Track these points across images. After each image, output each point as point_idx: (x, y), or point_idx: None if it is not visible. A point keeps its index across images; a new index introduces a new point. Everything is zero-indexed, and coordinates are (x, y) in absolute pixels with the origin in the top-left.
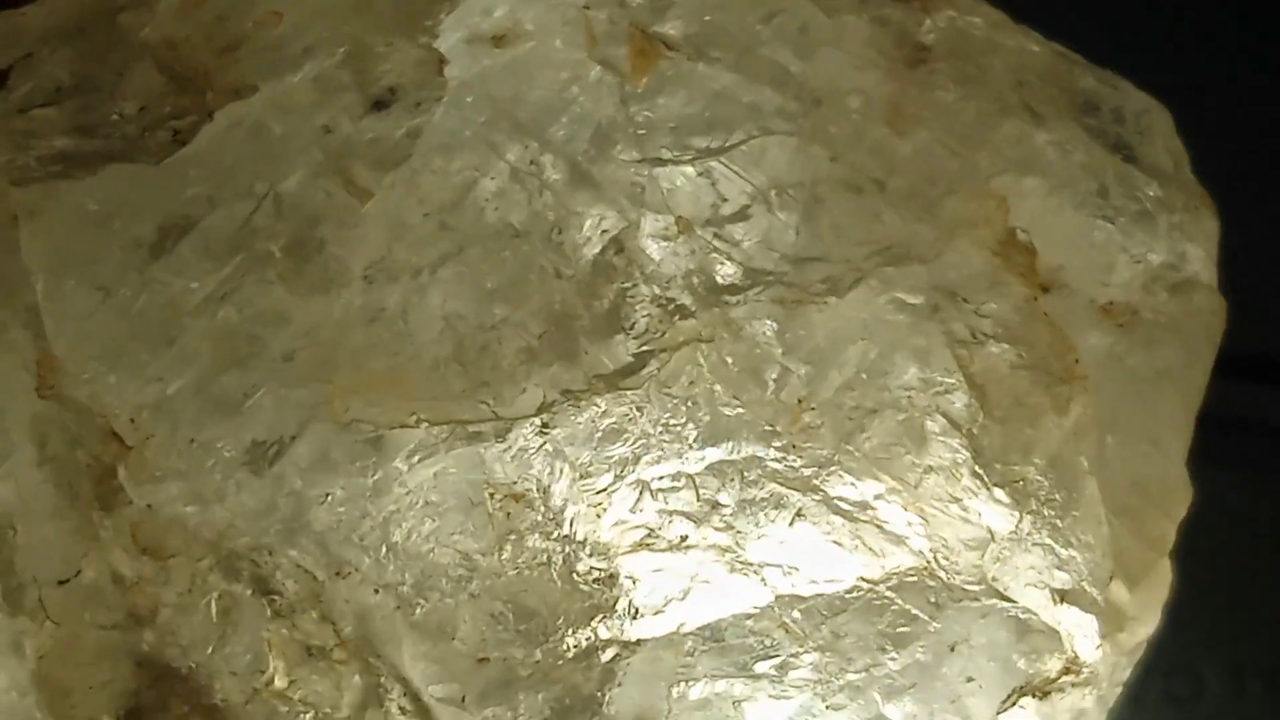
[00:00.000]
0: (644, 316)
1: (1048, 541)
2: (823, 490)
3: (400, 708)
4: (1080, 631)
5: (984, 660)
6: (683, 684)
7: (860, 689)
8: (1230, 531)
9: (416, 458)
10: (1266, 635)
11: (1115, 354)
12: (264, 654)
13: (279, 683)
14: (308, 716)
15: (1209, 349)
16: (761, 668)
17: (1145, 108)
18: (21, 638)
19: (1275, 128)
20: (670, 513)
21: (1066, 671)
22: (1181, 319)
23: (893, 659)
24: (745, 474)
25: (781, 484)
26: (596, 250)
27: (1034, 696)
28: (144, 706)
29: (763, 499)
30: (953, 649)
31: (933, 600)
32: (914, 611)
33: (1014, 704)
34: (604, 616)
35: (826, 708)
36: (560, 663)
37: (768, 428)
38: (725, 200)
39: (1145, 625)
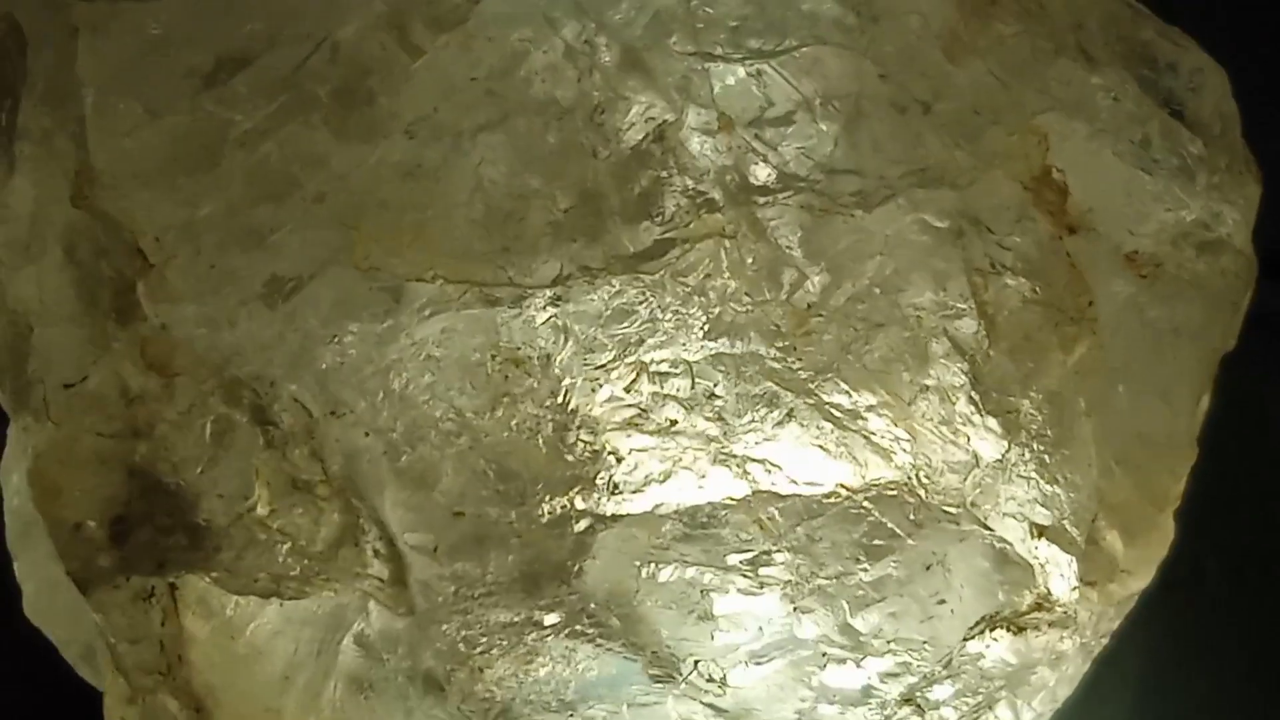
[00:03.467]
0: (673, 206)
1: (1033, 475)
2: (817, 395)
3: (375, 550)
4: (1056, 570)
5: (957, 583)
6: (654, 565)
7: (830, 595)
8: (1227, 420)
9: (427, 312)
10: (1266, 524)
11: (1135, 304)
12: (251, 481)
13: (261, 510)
14: (285, 546)
15: (1232, 311)
16: (733, 560)
17: (1201, 66)
18: (24, 434)
19: None
20: (664, 396)
21: (1039, 607)
22: (1206, 278)
23: (865, 570)
24: (743, 369)
25: (777, 383)
26: (638, 136)
27: (1008, 630)
28: (130, 515)
29: (756, 395)
30: (927, 568)
31: (911, 517)
32: (890, 525)
33: (983, 631)
34: (584, 488)
35: (794, 609)
36: (534, 527)
37: (773, 327)
38: (772, 104)
39: (1138, 579)
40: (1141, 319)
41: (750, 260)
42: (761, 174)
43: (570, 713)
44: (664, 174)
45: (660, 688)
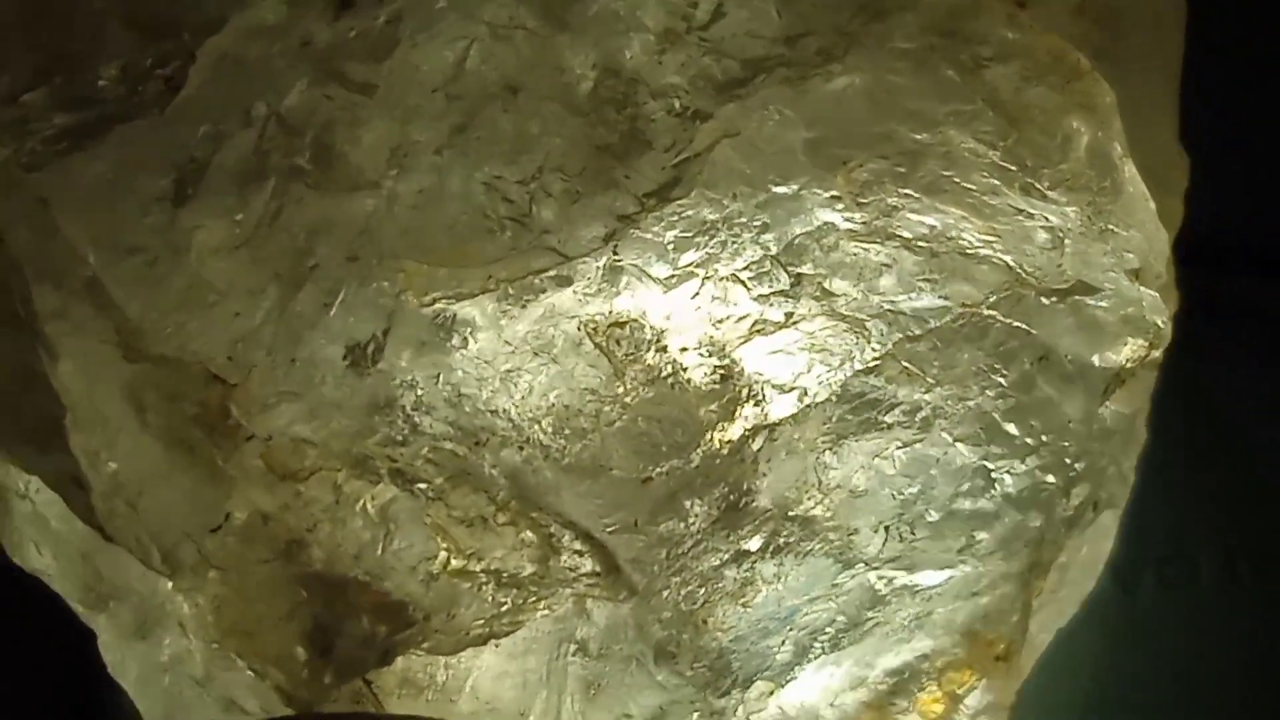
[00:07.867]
0: (665, 130)
1: (1110, 227)
2: (898, 235)
3: (577, 550)
4: (1156, 311)
5: (1081, 355)
6: (827, 452)
7: (983, 411)
8: (1221, 418)
9: (507, 318)
10: (1257, 521)
11: (1095, 48)
12: (429, 540)
13: (455, 562)
14: (489, 586)
15: (1177, 30)
16: (891, 417)
17: None
18: (189, 596)
19: None
20: (767, 296)
21: (1151, 348)
22: (1146, 2)
23: (1003, 376)
24: (822, 240)
25: (859, 240)
26: (592, 83)
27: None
28: (327, 624)
29: (848, 258)
30: (1042, 359)
31: (1028, 308)
32: (1015, 324)
33: (1109, 397)
34: (740, 407)
35: (954, 440)
36: (717, 461)
37: (830, 195)
38: (697, 6)
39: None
40: (1106, 59)
41: (763, 146)
42: (727, 68)
43: (789, 626)
44: (639, 104)
45: (855, 569)
